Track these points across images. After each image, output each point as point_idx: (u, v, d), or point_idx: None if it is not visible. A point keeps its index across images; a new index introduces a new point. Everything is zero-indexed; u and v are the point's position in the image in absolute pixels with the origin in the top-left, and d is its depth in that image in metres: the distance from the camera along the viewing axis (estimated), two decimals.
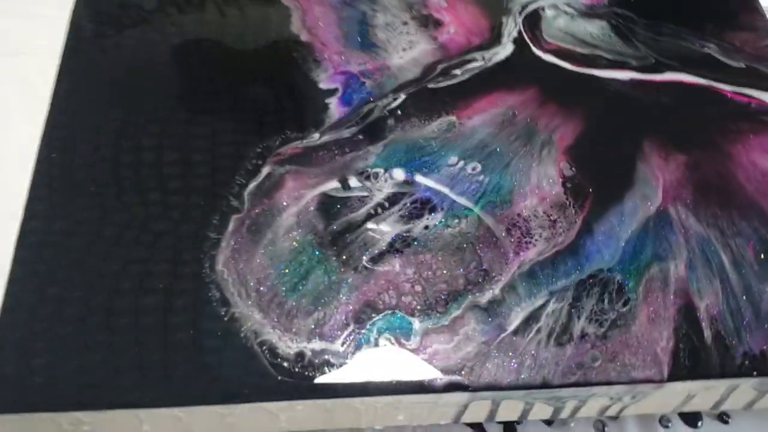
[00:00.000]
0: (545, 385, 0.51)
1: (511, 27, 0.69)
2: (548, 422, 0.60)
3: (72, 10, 0.68)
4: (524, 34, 0.68)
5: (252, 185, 0.58)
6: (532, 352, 0.51)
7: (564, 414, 0.54)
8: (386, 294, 0.53)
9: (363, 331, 0.52)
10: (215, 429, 0.51)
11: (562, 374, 0.51)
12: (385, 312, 0.53)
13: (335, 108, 0.63)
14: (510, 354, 0.51)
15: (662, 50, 0.68)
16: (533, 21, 0.70)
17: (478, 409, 0.53)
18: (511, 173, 0.59)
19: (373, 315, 0.52)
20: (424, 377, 0.50)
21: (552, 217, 0.57)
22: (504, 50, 0.67)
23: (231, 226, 0.56)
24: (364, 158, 0.60)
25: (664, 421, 0.60)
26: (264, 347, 0.51)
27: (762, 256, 0.56)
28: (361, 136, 0.61)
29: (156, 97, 0.63)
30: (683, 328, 0.53)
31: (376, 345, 0.51)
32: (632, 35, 0.69)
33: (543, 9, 0.71)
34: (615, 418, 0.60)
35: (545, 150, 0.61)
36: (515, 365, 0.51)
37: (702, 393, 0.53)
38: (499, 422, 0.58)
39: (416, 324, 0.52)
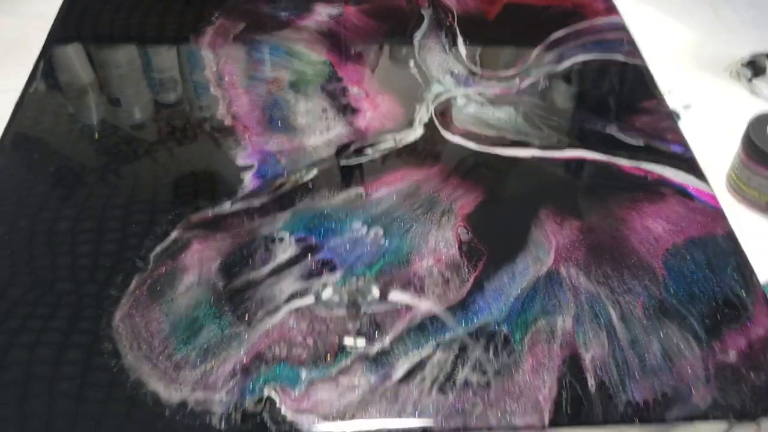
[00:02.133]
0: (425, 431, 0.51)
1: (423, 113, 0.74)
2: None
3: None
4: (435, 119, 0.73)
5: (159, 248, 0.61)
6: (414, 398, 0.52)
7: None
8: (277, 346, 0.54)
9: (249, 381, 0.52)
10: None
11: (442, 419, 0.51)
12: (273, 363, 0.53)
13: (249, 181, 0.67)
14: (393, 401, 0.51)
15: (566, 131, 0.72)
16: (445, 108, 0.74)
17: None
18: (410, 237, 0.62)
19: (262, 366, 0.53)
20: (302, 425, 0.50)
21: (445, 276, 0.59)
22: (414, 133, 0.72)
23: (132, 285, 0.58)
24: (271, 224, 0.63)
25: None
26: (148, 396, 0.51)
27: (650, 311, 0.57)
28: (270, 206, 0.64)
29: (76, 169, 0.67)
30: (567, 378, 0.53)
31: (260, 394, 0.52)
32: (538, 119, 0.73)
33: (455, 98, 0.75)
34: None
35: (445, 217, 0.64)
36: (398, 412, 0.51)
37: None
38: None
39: (303, 374, 0.53)
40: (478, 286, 0.58)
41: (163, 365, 0.53)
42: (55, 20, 0.85)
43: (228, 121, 0.73)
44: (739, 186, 0.77)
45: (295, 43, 0.82)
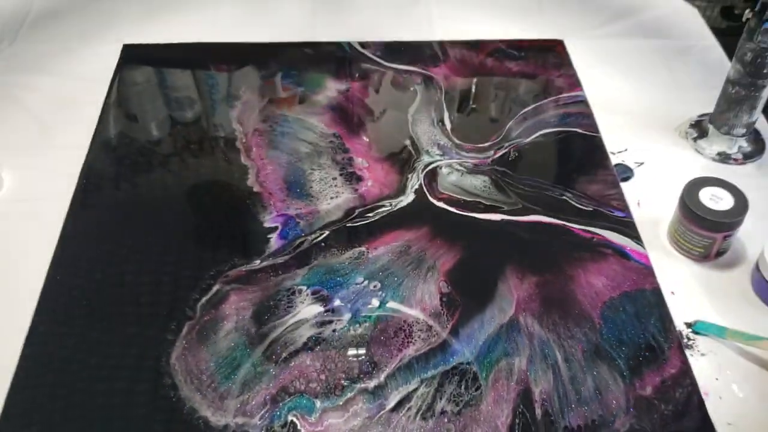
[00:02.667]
0: None
1: (414, 181, 0.90)
2: None
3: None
4: (423, 186, 0.89)
5: (204, 299, 0.77)
6: (403, 425, 0.68)
7: None
8: (297, 381, 0.71)
9: (276, 409, 0.69)
10: None
11: None
12: (295, 395, 0.70)
13: (274, 241, 0.83)
14: (386, 426, 0.68)
15: (529, 198, 0.89)
16: (431, 176, 0.91)
17: None
18: (402, 290, 0.78)
19: (286, 397, 0.70)
20: None
21: (429, 324, 0.76)
22: (407, 198, 0.88)
23: (185, 330, 0.75)
24: (292, 279, 0.79)
25: None
26: (200, 421, 0.68)
27: (587, 354, 0.73)
28: (291, 262, 0.81)
29: (137, 232, 0.84)
30: (520, 407, 0.69)
31: (285, 420, 0.68)
32: (507, 186, 0.90)
33: (440, 167, 0.92)
34: None
35: (429, 273, 0.80)
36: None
37: None
38: None
39: (317, 404, 0.69)
40: (454, 333, 0.75)
41: (211, 396, 0.70)
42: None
43: (256, 188, 0.89)
44: (676, 238, 0.93)
45: (309, 116, 0.98)
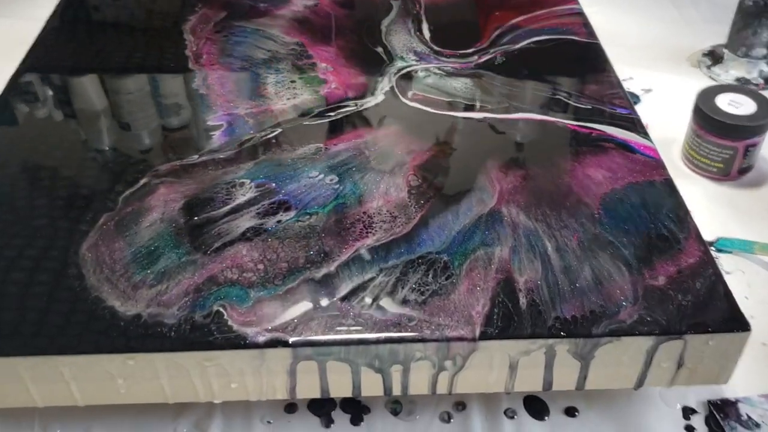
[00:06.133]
0: (362, 342, 0.54)
1: (385, 83, 0.78)
2: (394, 413, 0.61)
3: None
4: (395, 89, 0.78)
5: (128, 192, 0.65)
6: (355, 313, 0.55)
7: (395, 388, 0.56)
8: (229, 271, 0.58)
9: (199, 299, 0.56)
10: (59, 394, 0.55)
11: (378, 331, 0.54)
12: (224, 284, 0.57)
13: (217, 138, 0.71)
14: (334, 316, 0.55)
15: (517, 98, 0.77)
16: (405, 79, 0.79)
17: (309, 380, 0.56)
18: (364, 183, 0.66)
19: (213, 287, 0.57)
20: (247, 334, 0.54)
21: (393, 214, 0.63)
22: (375, 99, 0.76)
23: (101, 221, 0.62)
24: (234, 172, 0.67)
25: (509, 412, 0.61)
26: (106, 311, 0.55)
27: (584, 244, 0.60)
28: (235, 157, 0.69)
29: (65, 127, 0.72)
30: (500, 297, 0.56)
31: (210, 310, 0.55)
32: (492, 88, 0.78)
33: (416, 71, 0.80)
34: (461, 408, 0.61)
35: (397, 168, 0.68)
36: (337, 325, 0.54)
37: (524, 361, 0.55)
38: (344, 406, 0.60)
39: (251, 293, 0.56)
40: (423, 223, 0.62)
41: (122, 286, 0.57)
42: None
43: (203, 90, 0.78)
44: (691, 155, 0.81)
45: (271, 27, 0.88)
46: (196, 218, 0.62)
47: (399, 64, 0.82)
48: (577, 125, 0.73)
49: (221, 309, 0.55)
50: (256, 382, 0.56)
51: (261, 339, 0.53)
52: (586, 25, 0.88)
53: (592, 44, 0.85)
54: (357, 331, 0.54)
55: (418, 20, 0.90)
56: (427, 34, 0.87)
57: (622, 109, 0.75)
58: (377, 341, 0.54)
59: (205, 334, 0.53)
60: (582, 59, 0.84)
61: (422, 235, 0.61)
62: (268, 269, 0.58)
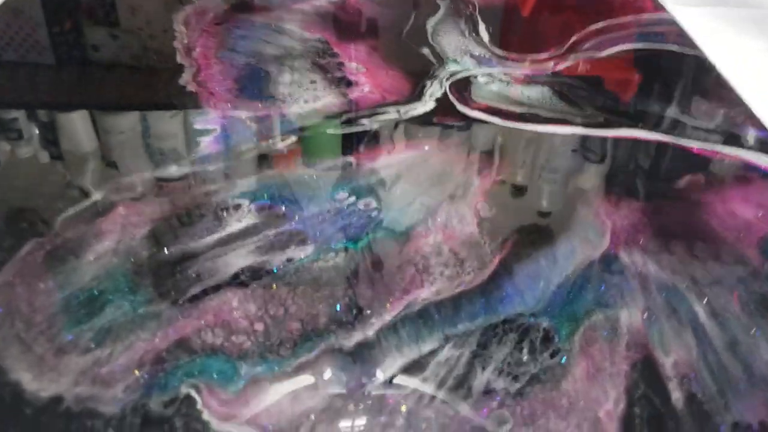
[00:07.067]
0: None
1: (436, 89, 0.59)
2: None
3: None
4: (450, 95, 0.58)
5: (71, 210, 0.45)
6: (409, 410, 0.34)
7: None
8: (210, 332, 0.37)
9: (160, 375, 0.35)
10: None
11: None
12: (201, 353, 0.36)
13: (207, 145, 0.51)
14: (374, 412, 0.33)
15: (614, 112, 0.57)
16: (462, 85, 0.60)
17: None
18: (413, 210, 0.45)
19: (183, 356, 0.36)
20: None
21: (459, 256, 0.42)
22: (423, 107, 0.56)
23: (25, 249, 0.41)
24: (227, 190, 0.47)
25: None
26: (8, 388, 0.34)
27: (750, 307, 0.39)
28: (229, 171, 0.48)
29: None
30: (640, 388, 0.35)
31: (175, 393, 0.34)
32: (578, 99, 0.58)
33: (475, 77, 0.61)
34: None
35: (460, 191, 0.47)
36: (380, 427, 0.33)
37: None
38: None
39: (243, 369, 0.35)
40: (504, 269, 0.41)
41: (40, 349, 0.36)
42: None
43: (192, 87, 0.58)
44: None
45: (286, 22, 0.68)
46: (165, 251, 0.42)
47: (451, 67, 0.62)
48: (701, 148, 0.53)
49: (193, 392, 0.34)
50: None
51: None
52: (683, 35, 0.69)
53: (698, 57, 0.66)
54: None
55: (473, 21, 0.71)
56: (485, 36, 0.68)
57: (759, 131, 0.55)
58: None
59: None
60: (689, 73, 0.64)
61: (506, 288, 0.40)
62: (271, 331, 0.37)
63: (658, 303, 0.40)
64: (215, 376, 0.35)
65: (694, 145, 0.53)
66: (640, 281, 0.41)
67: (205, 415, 0.33)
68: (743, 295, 0.40)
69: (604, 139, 0.54)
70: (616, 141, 0.53)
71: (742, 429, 0.33)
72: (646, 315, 0.39)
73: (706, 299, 0.40)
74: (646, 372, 0.36)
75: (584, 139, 0.53)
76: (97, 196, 0.46)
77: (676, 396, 0.35)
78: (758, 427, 0.33)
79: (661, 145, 0.53)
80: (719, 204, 0.47)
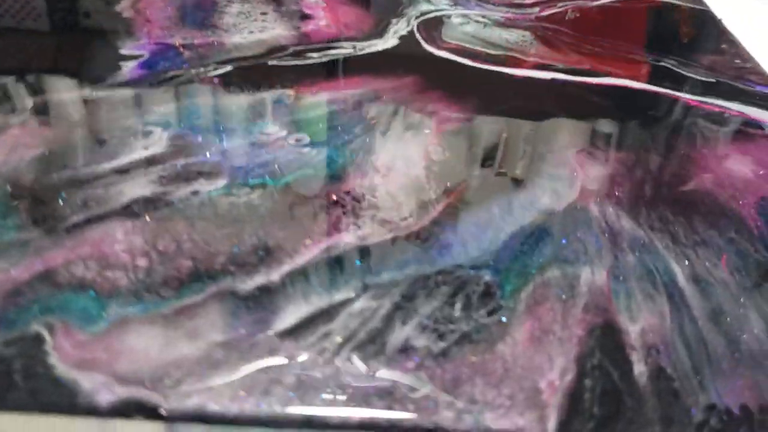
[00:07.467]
0: (314, 424, 0.26)
1: (402, 26, 0.52)
2: None
3: None
4: (417, 33, 0.51)
5: None
6: (304, 367, 0.27)
7: None
8: (82, 264, 0.31)
9: (12, 307, 0.28)
10: None
11: (348, 404, 0.26)
12: (65, 287, 0.29)
13: (129, 70, 0.45)
14: (263, 370, 0.27)
15: (602, 58, 0.50)
16: (432, 24, 0.53)
17: None
18: (352, 149, 0.39)
19: (43, 290, 0.29)
20: (82, 386, 0.26)
21: (398, 200, 0.35)
22: (384, 43, 0.50)
23: None
24: (140, 115, 0.40)
25: None
26: None
27: (741, 273, 0.32)
28: (146, 96, 0.42)
29: None
30: (595, 358, 0.28)
31: (22, 330, 0.28)
32: (561, 44, 0.51)
33: (448, 17, 0.54)
34: None
35: (411, 132, 0.41)
36: (268, 387, 0.26)
37: None
38: None
39: (110, 307, 0.29)
40: (448, 216, 0.35)
41: None
42: None
43: (128, 14, 0.51)
44: None
45: None
46: (53, 174, 0.35)
47: (423, 7, 0.55)
48: (698, 101, 0.46)
49: (44, 331, 0.27)
50: None
51: (107, 399, 0.25)
52: None
53: (701, 10, 0.59)
54: (308, 404, 0.26)
55: None
56: None
57: (763, 87, 0.48)
58: (344, 426, 0.25)
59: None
60: (691, 25, 0.57)
61: (447, 236, 0.33)
62: (155, 268, 0.30)
63: (628, 262, 0.33)
64: (76, 314, 0.28)
65: (691, 97, 0.46)
66: (610, 237, 0.34)
67: (52, 358, 0.27)
68: (733, 259, 0.33)
69: (588, 88, 0.47)
70: (602, 89, 0.47)
71: (719, 413, 0.26)
72: (612, 275, 0.32)
73: (687, 261, 0.33)
74: (606, 339, 0.29)
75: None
76: None
77: (640, 369, 0.28)
78: (739, 411, 0.26)
79: (653, 96, 0.46)
80: (714, 159, 0.41)
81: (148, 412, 0.26)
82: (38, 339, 0.28)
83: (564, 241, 0.34)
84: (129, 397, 0.26)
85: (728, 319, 0.30)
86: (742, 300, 0.31)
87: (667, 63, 0.50)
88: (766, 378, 0.28)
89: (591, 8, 0.58)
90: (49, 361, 0.27)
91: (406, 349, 0.28)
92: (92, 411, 0.26)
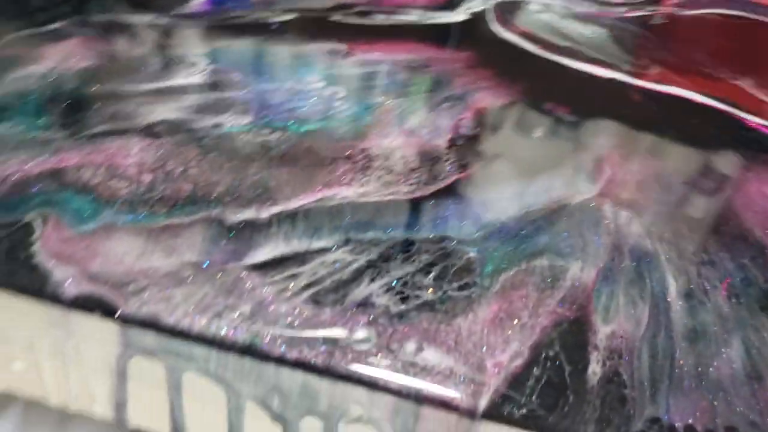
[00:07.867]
0: (257, 354, 0.26)
1: (477, 3, 0.51)
2: None
3: None
4: (491, 12, 0.51)
5: (26, 31, 0.41)
6: (262, 299, 0.28)
7: None
8: (91, 170, 0.32)
9: (15, 195, 0.30)
10: None
11: (293, 346, 0.26)
12: (67, 186, 0.31)
13: (196, 3, 0.46)
14: (224, 292, 0.28)
15: (671, 68, 0.48)
16: (509, 7, 0.52)
17: (151, 399, 0.29)
18: (382, 111, 0.39)
19: (49, 185, 0.31)
20: (53, 274, 0.27)
21: (411, 165, 0.35)
22: (452, 17, 0.49)
23: None
24: (190, 47, 0.42)
25: None
26: None
27: (739, 300, 0.31)
28: (202, 30, 0.43)
29: None
30: (552, 349, 0.27)
31: (17, 216, 0.30)
32: (635, 47, 0.49)
33: (528, 2, 0.53)
34: None
35: (447, 103, 0.40)
36: (223, 311, 0.27)
37: None
38: None
39: (101, 212, 0.30)
40: (454, 190, 0.34)
41: None
42: None
43: None
44: None
45: None
46: (93, 88, 0.37)
47: None
48: (760, 124, 0.43)
49: (37, 221, 0.29)
50: (58, 371, 0.29)
51: (72, 291, 0.27)
52: None
53: None
54: (254, 334, 0.26)
55: None
56: None
57: None
58: (284, 361, 0.26)
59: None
60: None
61: (446, 208, 0.33)
62: (157, 186, 0.32)
63: (624, 266, 0.32)
64: (70, 212, 0.30)
65: (753, 119, 0.44)
66: (614, 239, 0.33)
67: (35, 247, 0.29)
68: (737, 285, 0.32)
69: (647, 93, 0.45)
70: (660, 96, 0.45)
71: (660, 428, 0.25)
72: (602, 275, 0.31)
73: (686, 277, 0.32)
74: (570, 335, 0.28)
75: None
76: (57, 24, 0.42)
77: (594, 370, 0.27)
78: (682, 429, 0.25)
79: (709, 110, 0.44)
80: (754, 183, 0.38)
81: (105, 309, 0.27)
82: (29, 227, 0.30)
83: (565, 234, 0.33)
84: (92, 293, 0.27)
85: (707, 341, 0.29)
86: (729, 325, 0.29)
87: (744, 82, 0.48)
88: (725, 405, 0.26)
89: (682, 17, 0.55)
90: (32, 248, 0.29)
91: (364, 304, 0.28)
92: (56, 299, 0.27)
